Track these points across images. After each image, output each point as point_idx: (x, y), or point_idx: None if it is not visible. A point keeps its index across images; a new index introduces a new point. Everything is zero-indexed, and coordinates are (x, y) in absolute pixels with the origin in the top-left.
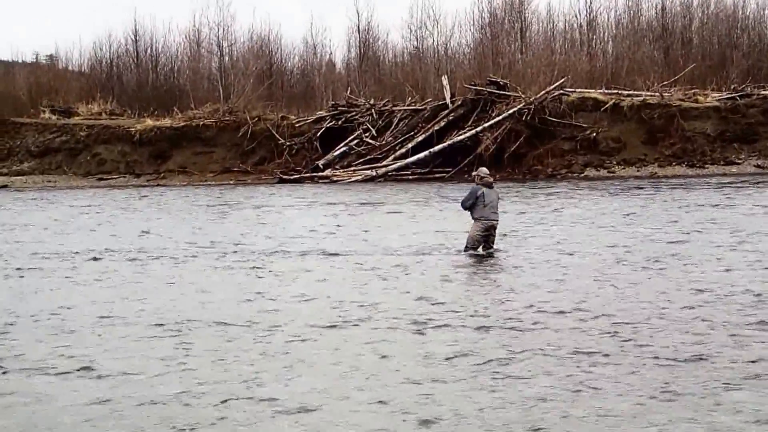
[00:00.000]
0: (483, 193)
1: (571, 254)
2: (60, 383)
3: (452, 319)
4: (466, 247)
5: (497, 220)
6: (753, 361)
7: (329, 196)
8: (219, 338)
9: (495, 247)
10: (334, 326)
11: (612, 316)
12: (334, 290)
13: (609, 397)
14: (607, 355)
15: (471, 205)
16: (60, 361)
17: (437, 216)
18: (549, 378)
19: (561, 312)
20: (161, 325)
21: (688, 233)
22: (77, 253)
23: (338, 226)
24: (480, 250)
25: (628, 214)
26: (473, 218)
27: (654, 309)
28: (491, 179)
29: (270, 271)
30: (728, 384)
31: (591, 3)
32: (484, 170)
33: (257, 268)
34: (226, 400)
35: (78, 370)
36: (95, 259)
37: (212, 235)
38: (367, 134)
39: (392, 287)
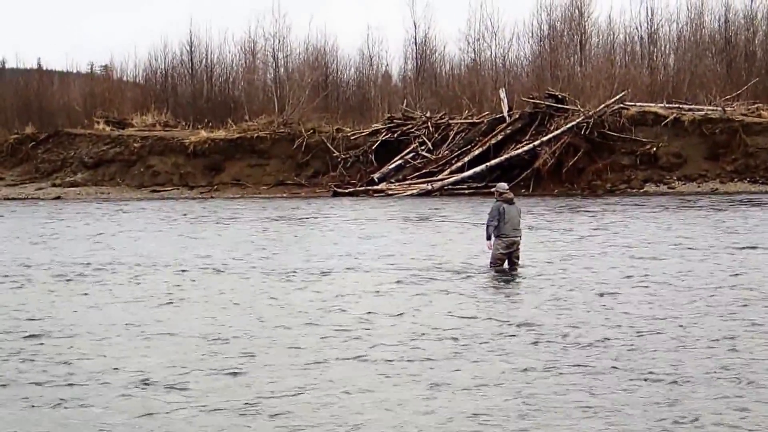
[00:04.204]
0: (504, 209)
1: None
2: None
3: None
4: (491, 264)
5: (519, 237)
6: None
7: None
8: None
9: (519, 263)
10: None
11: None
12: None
13: None
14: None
15: (498, 224)
16: None
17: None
18: None
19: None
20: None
21: None
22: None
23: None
24: (505, 266)
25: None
26: (495, 235)
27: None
28: (511, 195)
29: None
30: None
31: (652, 15)
32: (503, 186)
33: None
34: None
35: None
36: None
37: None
38: (423, 147)
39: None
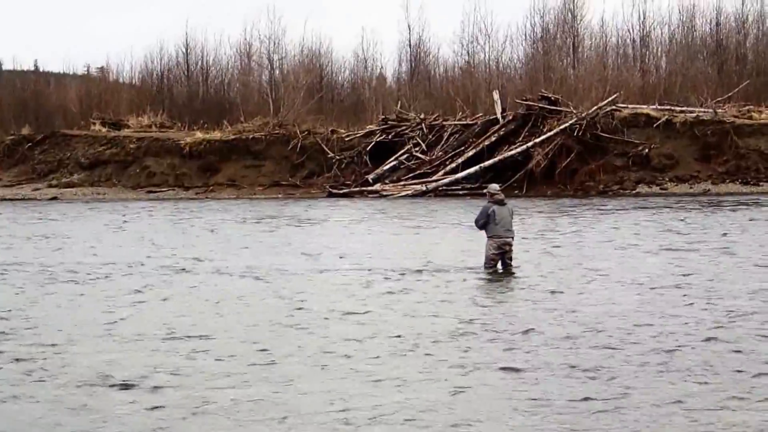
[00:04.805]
0: (494, 210)
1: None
2: None
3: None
4: (484, 265)
5: (511, 237)
6: None
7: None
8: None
9: (514, 264)
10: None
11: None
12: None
13: None
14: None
15: (484, 223)
16: None
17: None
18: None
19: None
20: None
21: None
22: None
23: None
24: (499, 267)
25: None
26: (487, 236)
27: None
28: (502, 196)
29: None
30: None
31: (644, 18)
32: (494, 187)
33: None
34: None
35: None
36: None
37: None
38: (417, 149)
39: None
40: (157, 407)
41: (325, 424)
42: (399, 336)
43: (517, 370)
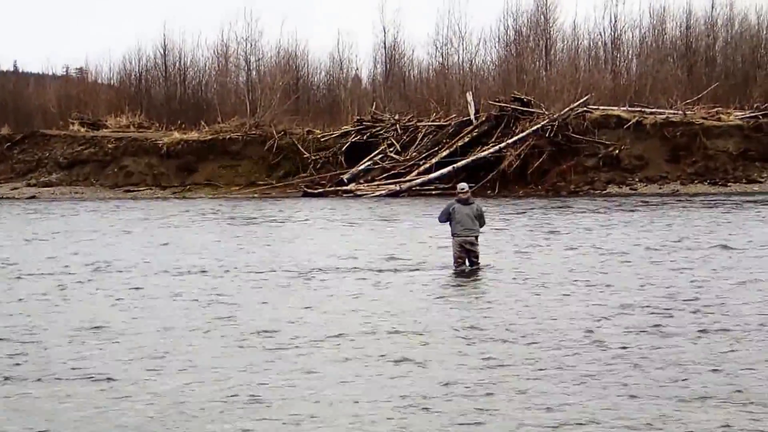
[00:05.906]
0: (454, 208)
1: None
2: None
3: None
4: (454, 264)
5: (470, 236)
6: None
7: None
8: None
9: (479, 262)
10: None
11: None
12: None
13: None
14: None
15: (446, 220)
16: None
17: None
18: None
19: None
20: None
21: None
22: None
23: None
24: (466, 265)
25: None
26: (450, 234)
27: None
28: (467, 195)
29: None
30: None
31: (615, 21)
32: (461, 186)
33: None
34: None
35: None
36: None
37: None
38: (391, 149)
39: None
40: (68, 397)
41: (213, 402)
42: (316, 331)
43: (409, 362)
